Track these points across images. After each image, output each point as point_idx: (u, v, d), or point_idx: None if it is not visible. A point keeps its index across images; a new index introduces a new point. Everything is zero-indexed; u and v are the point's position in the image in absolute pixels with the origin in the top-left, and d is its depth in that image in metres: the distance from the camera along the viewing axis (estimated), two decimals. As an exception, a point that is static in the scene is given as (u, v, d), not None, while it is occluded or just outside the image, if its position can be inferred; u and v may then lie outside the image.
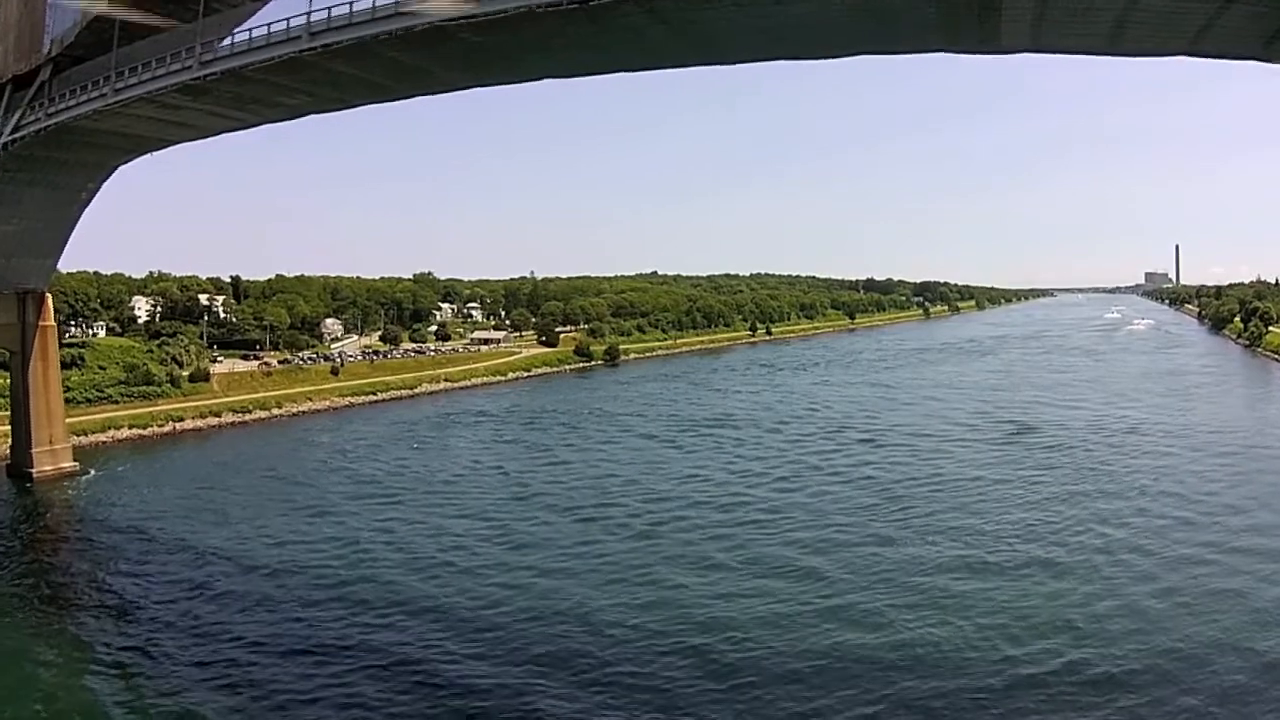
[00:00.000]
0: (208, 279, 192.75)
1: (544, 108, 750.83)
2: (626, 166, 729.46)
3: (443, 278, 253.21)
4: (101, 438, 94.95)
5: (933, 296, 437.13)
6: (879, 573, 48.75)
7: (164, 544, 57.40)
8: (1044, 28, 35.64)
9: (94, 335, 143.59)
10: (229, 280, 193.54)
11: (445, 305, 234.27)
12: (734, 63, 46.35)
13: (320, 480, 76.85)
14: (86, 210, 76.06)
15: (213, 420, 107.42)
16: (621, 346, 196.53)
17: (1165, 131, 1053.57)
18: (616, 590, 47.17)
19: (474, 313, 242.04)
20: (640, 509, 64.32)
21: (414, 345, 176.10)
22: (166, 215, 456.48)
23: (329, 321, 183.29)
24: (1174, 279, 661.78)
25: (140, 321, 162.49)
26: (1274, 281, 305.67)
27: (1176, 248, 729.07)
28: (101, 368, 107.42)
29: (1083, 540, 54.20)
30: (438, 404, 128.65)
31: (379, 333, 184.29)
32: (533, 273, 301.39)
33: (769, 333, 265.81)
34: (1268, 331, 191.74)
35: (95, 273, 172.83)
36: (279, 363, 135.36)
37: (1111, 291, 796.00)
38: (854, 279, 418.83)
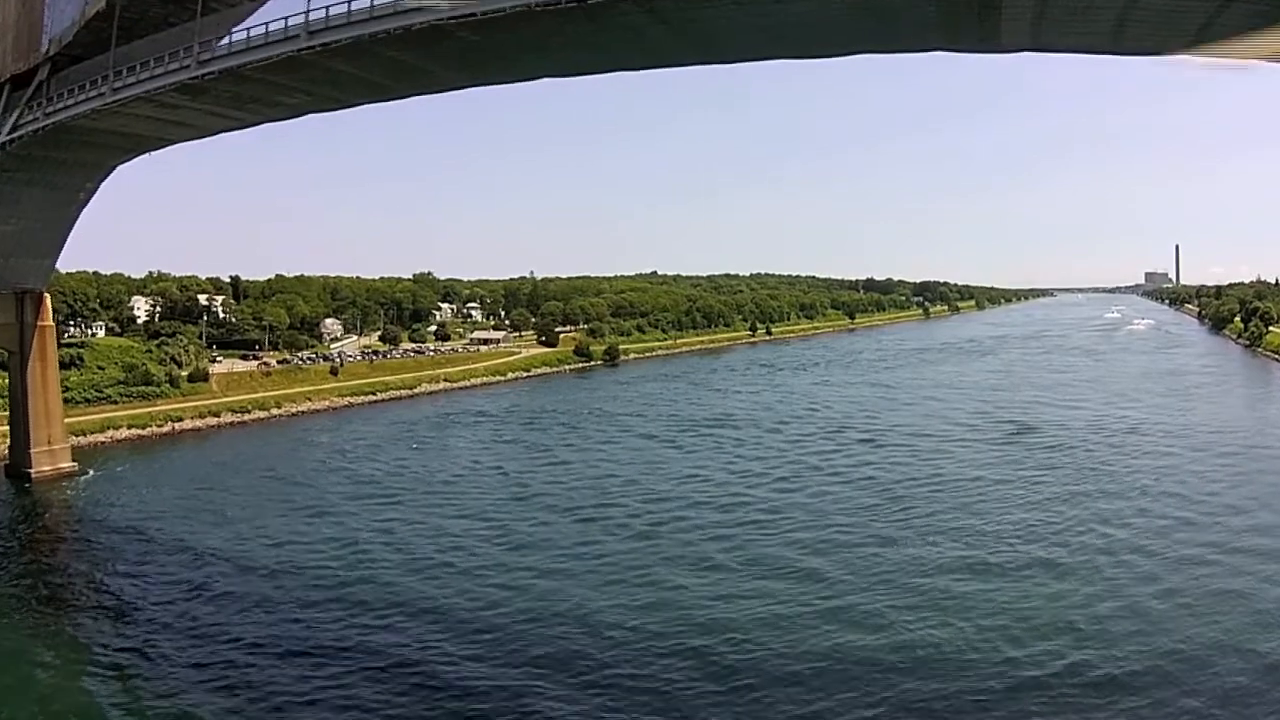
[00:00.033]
0: (207, 279, 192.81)
1: (544, 107, 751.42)
2: (627, 166, 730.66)
3: (442, 278, 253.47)
4: (100, 438, 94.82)
5: (932, 296, 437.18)
6: (879, 573, 48.61)
7: (162, 545, 57.26)
8: (1044, 26, 35.48)
9: (93, 335, 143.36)
10: (228, 280, 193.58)
11: (445, 305, 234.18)
12: (734, 62, 46.25)
13: (319, 480, 76.73)
14: (85, 210, 75.93)
15: (212, 420, 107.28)
16: (621, 346, 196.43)
17: (1165, 131, 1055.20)
18: (616, 591, 47.04)
19: (474, 313, 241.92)
20: (640, 509, 64.20)
21: (413, 345, 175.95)
22: (166, 215, 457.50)
23: (328, 321, 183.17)
24: (1174, 279, 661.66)
25: (139, 321, 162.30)
26: (1274, 281, 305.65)
27: (1176, 248, 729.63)
28: (100, 368, 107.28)
29: (1084, 541, 54.07)
30: (437, 404, 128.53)
31: (378, 333, 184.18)
32: (532, 273, 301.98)
33: (769, 333, 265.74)
34: (1268, 331, 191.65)
35: (94, 273, 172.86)
36: (278, 363, 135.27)
37: (1111, 291, 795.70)
38: (854, 279, 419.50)
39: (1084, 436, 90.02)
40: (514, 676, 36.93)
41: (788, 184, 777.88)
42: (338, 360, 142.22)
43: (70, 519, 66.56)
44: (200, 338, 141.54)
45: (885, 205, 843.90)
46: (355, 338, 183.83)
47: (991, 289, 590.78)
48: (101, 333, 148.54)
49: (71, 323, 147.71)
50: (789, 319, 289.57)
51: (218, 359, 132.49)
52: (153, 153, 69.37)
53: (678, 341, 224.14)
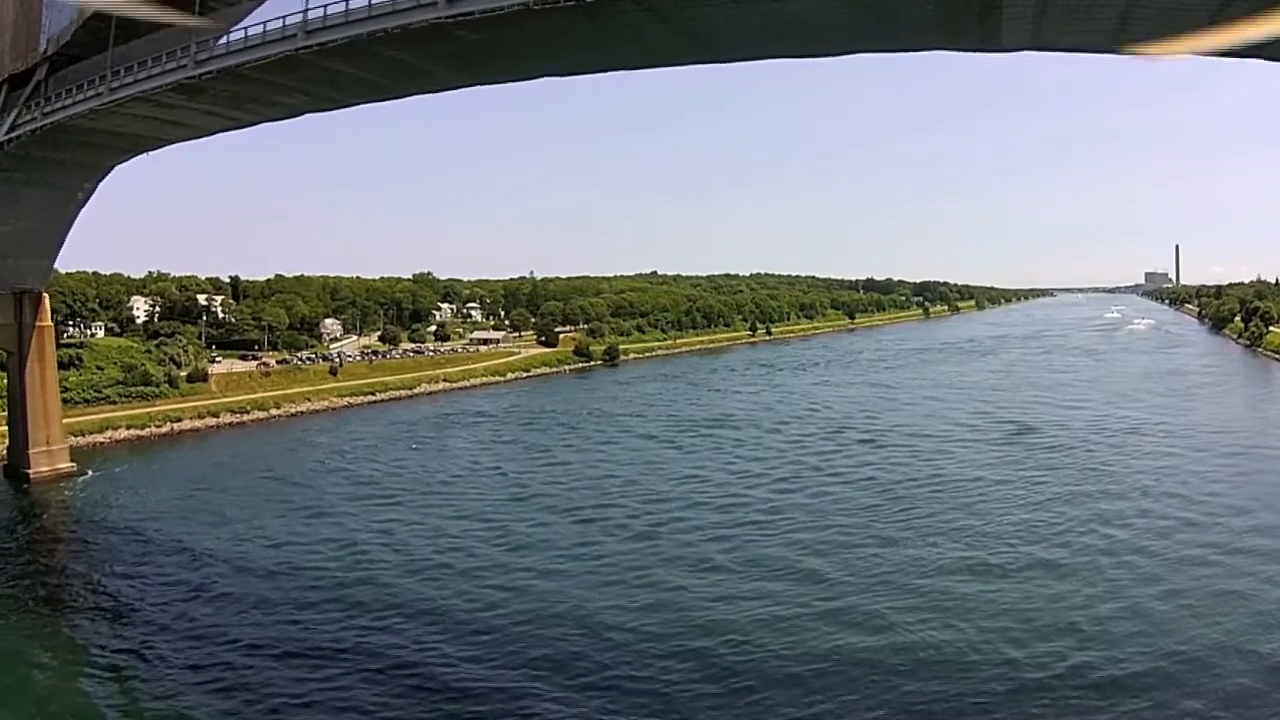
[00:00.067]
0: (206, 279, 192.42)
1: (543, 107, 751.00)
2: (626, 166, 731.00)
3: (442, 278, 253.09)
4: (99, 438, 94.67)
5: (932, 296, 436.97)
6: (880, 574, 48.48)
7: (161, 545, 57.12)
8: (1045, 25, 35.35)
9: (92, 335, 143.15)
10: (228, 280, 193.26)
11: (444, 305, 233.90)
12: (733, 60, 46.21)
13: (318, 481, 76.59)
14: (84, 210, 75.94)
15: (211, 421, 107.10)
16: (621, 346, 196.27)
17: (1165, 131, 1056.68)
18: (615, 592, 46.92)
19: (473, 313, 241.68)
20: (639, 510, 64.06)
21: (413, 345, 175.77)
22: (164, 215, 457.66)
23: (328, 322, 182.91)
24: (1174, 279, 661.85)
25: (139, 322, 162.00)
26: (1274, 281, 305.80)
27: (1176, 248, 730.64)
28: (99, 368, 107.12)
29: (1085, 541, 53.93)
30: (436, 404, 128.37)
31: (378, 333, 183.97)
32: (532, 273, 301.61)
33: (769, 333, 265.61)
34: (1268, 331, 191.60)
35: (94, 273, 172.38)
36: (277, 363, 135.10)
37: (1111, 291, 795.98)
38: (854, 279, 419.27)
39: (1084, 437, 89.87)
40: (513, 678, 36.80)
41: (787, 184, 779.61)
42: (337, 360, 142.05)
43: (68, 520, 66.41)
44: (199, 338, 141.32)
45: (885, 205, 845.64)
46: (355, 338, 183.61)
47: (991, 289, 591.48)
48: (100, 333, 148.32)
49: (70, 323, 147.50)
50: (789, 319, 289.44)
51: (217, 359, 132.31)
52: (151, 153, 69.44)
53: (677, 341, 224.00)
